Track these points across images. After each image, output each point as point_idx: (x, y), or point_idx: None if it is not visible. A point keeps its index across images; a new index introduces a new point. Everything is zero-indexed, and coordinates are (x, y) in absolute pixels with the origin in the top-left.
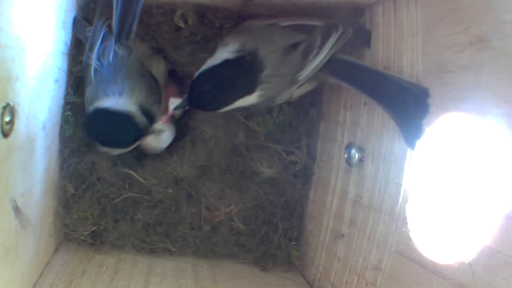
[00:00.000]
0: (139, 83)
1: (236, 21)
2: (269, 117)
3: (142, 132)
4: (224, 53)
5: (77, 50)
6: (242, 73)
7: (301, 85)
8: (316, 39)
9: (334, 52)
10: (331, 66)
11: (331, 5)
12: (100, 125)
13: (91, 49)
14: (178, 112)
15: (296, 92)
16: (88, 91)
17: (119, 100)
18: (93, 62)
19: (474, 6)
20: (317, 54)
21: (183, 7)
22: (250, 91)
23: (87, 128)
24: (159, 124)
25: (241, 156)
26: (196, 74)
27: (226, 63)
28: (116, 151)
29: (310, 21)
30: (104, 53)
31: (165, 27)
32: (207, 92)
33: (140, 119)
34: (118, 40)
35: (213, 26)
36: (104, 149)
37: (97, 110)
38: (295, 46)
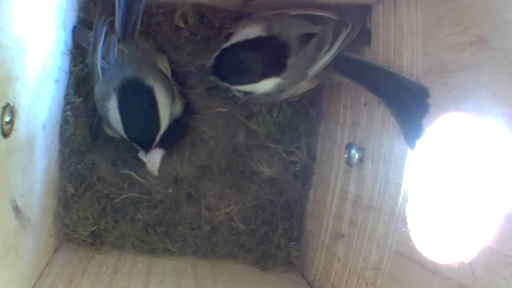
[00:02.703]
0: (151, 74)
1: (236, 21)
2: (269, 117)
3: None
4: (253, 30)
5: (77, 50)
6: (274, 53)
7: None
8: (328, 35)
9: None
10: (336, 62)
11: (331, 4)
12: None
13: (94, 50)
14: (179, 111)
15: (298, 90)
16: (98, 89)
17: None
18: (99, 61)
19: (474, 6)
20: (328, 50)
21: (183, 7)
22: (276, 73)
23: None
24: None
25: (241, 156)
26: (227, 44)
27: (260, 39)
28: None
29: (318, 12)
30: (108, 50)
31: (165, 27)
32: (236, 64)
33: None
34: (123, 39)
35: (213, 26)
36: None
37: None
38: (309, 36)
